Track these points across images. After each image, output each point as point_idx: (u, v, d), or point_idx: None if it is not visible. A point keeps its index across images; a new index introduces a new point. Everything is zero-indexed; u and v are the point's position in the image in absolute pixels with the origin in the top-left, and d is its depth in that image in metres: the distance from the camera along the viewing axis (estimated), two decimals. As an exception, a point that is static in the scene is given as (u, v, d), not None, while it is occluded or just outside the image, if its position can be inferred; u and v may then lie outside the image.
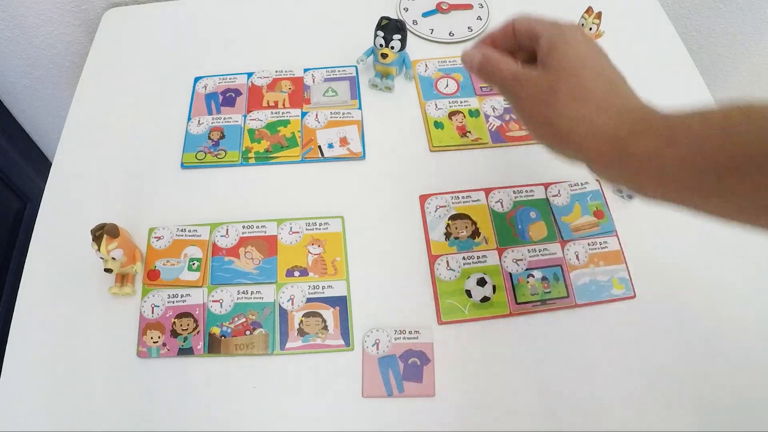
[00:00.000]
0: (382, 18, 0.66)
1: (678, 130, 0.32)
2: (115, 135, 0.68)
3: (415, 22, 0.77)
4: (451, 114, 0.69)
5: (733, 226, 0.32)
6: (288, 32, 0.78)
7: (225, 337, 0.54)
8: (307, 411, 0.51)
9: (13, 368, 0.53)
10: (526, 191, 0.63)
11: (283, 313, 0.55)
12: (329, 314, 0.55)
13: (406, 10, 0.79)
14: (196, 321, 0.54)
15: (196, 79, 0.72)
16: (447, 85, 0.72)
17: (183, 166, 0.65)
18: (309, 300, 0.56)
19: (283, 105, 0.70)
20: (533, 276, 0.57)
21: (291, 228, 0.60)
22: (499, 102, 0.70)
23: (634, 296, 0.57)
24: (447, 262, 0.58)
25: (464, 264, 0.58)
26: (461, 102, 0.70)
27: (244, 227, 0.60)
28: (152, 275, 0.57)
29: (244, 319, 0.55)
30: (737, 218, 0.32)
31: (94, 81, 0.73)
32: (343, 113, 0.69)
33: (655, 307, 0.56)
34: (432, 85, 0.72)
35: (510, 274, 0.57)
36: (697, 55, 1.03)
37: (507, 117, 0.69)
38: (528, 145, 0.67)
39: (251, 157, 0.65)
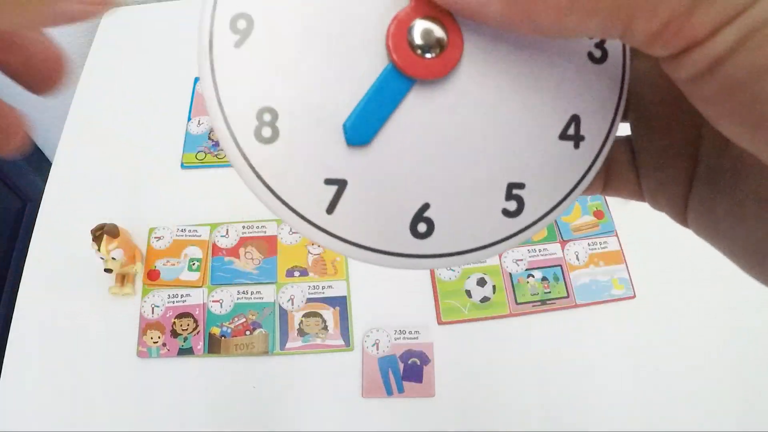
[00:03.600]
0: None
1: None
2: (115, 135, 0.68)
3: None
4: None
5: None
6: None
7: (225, 337, 0.54)
8: (307, 411, 0.51)
9: (13, 368, 0.53)
10: (526, 191, 0.63)
11: (283, 313, 0.55)
12: (329, 314, 0.55)
13: None
14: (196, 321, 0.54)
15: (196, 79, 0.72)
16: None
17: (183, 166, 0.65)
18: (309, 300, 0.56)
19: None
20: (533, 276, 0.57)
21: (291, 228, 0.60)
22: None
23: (634, 296, 0.56)
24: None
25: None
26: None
27: (244, 227, 0.60)
28: (152, 275, 0.57)
29: (244, 319, 0.55)
30: None
31: (94, 81, 0.73)
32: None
33: (655, 307, 0.56)
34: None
35: (510, 274, 0.57)
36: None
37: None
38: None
39: (251, 157, 0.65)
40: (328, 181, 0.16)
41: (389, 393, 0.51)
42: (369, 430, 0.50)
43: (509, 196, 0.17)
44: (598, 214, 0.61)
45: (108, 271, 0.53)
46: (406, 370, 0.52)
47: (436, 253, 0.17)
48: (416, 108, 0.17)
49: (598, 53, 0.18)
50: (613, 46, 0.18)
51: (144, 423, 0.50)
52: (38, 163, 1.05)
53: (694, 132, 0.18)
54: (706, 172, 0.18)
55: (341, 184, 0.16)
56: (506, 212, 0.17)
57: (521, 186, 0.18)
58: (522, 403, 0.51)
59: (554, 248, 0.59)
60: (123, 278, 0.56)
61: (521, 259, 0.58)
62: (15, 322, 0.55)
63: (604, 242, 0.59)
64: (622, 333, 0.55)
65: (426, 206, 0.17)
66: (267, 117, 0.16)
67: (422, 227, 0.17)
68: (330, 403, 0.51)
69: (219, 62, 0.16)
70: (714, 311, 0.56)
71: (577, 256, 0.58)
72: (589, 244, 0.59)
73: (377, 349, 0.53)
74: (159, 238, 0.59)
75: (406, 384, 0.51)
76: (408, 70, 0.16)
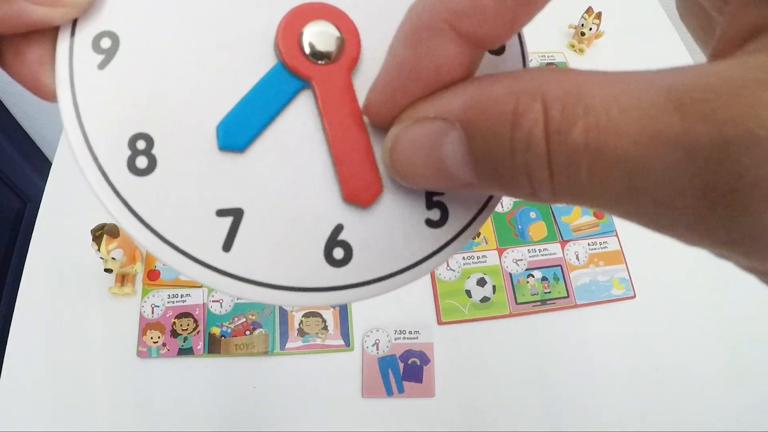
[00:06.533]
0: None
1: None
2: (115, 135, 0.68)
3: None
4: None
5: None
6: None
7: (225, 337, 0.54)
8: (307, 411, 0.51)
9: (13, 368, 0.53)
10: (526, 191, 0.63)
11: (283, 313, 0.55)
12: (329, 314, 0.55)
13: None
14: (196, 321, 0.54)
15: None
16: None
17: (183, 166, 0.65)
18: (309, 300, 0.56)
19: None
20: (533, 276, 0.57)
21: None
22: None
23: (634, 296, 0.57)
24: (447, 262, 0.58)
25: (464, 264, 0.58)
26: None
27: (244, 227, 0.60)
28: (152, 275, 0.57)
29: (244, 319, 0.55)
30: None
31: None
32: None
33: (655, 307, 0.56)
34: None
35: (510, 274, 0.57)
36: (698, 55, 1.03)
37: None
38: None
39: (251, 157, 0.65)
40: (221, 213, 0.14)
41: (389, 393, 0.51)
42: (369, 430, 0.50)
43: (430, 204, 0.16)
44: (598, 214, 0.61)
45: (108, 271, 0.53)
46: (406, 370, 0.52)
47: (359, 282, 0.15)
48: (314, 116, 0.15)
49: None
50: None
51: (144, 423, 0.50)
52: (38, 163, 1.05)
53: None
54: None
55: (237, 215, 0.14)
56: (430, 222, 0.16)
57: (440, 191, 0.16)
58: (522, 403, 0.51)
59: (554, 248, 0.59)
60: (123, 278, 0.56)
61: (521, 259, 0.58)
62: (15, 322, 0.55)
63: (604, 242, 0.59)
64: (622, 333, 0.55)
65: (339, 228, 0.15)
66: (141, 144, 0.14)
67: (339, 253, 0.15)
68: (330, 403, 0.51)
69: (81, 86, 0.14)
70: (714, 311, 0.56)
71: (577, 256, 0.58)
72: (589, 244, 0.59)
73: (377, 349, 0.53)
74: (159, 238, 0.59)
75: (406, 384, 0.51)
76: (299, 70, 0.14)
